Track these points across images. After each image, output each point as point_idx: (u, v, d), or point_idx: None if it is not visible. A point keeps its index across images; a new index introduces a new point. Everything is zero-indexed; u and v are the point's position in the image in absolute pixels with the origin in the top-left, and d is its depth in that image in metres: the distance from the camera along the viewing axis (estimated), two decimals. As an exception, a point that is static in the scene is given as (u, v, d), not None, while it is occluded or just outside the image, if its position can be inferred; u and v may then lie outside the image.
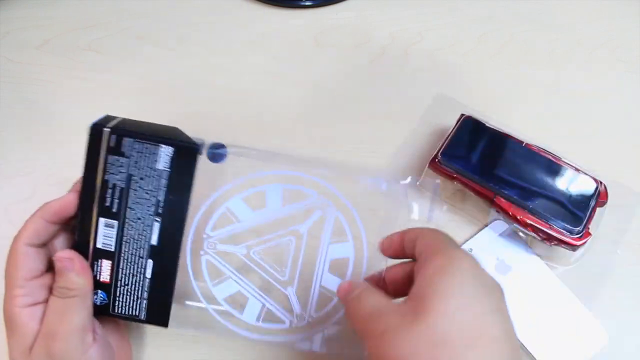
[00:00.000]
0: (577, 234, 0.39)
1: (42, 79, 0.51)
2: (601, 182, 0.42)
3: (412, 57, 0.52)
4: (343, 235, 0.36)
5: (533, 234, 0.40)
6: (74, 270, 0.32)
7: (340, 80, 0.51)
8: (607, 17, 0.54)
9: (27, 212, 0.44)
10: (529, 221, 0.40)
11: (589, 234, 0.40)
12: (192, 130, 0.48)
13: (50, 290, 0.33)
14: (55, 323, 0.31)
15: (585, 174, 0.42)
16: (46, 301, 0.32)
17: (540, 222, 0.40)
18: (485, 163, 0.42)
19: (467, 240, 0.42)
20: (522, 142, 0.43)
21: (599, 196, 0.41)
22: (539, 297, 0.40)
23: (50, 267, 0.34)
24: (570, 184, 0.41)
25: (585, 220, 0.40)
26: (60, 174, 0.46)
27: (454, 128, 0.44)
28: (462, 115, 0.44)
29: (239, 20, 0.54)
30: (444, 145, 0.43)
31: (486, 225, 0.43)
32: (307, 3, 0.54)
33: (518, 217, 0.40)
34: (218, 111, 0.49)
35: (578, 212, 0.40)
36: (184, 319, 0.36)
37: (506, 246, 0.42)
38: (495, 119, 0.48)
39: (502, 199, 0.40)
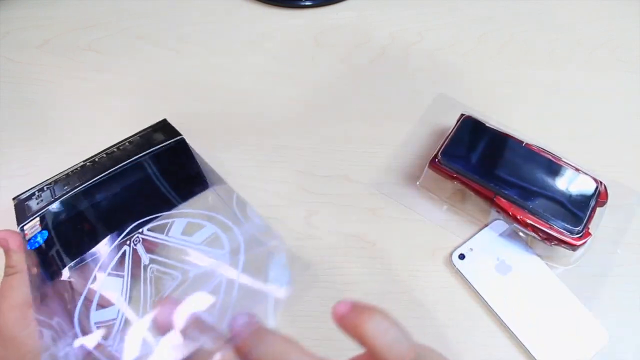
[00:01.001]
0: (577, 234, 0.39)
1: (42, 79, 0.51)
2: (601, 182, 0.42)
3: (412, 57, 0.52)
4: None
5: (533, 234, 0.40)
6: (11, 249, 0.34)
7: (340, 80, 0.51)
8: (607, 17, 0.54)
9: (27, 212, 0.44)
10: (529, 221, 0.40)
11: (589, 234, 0.40)
12: (192, 130, 0.48)
13: None
14: None
15: (585, 174, 0.42)
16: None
17: (540, 222, 0.40)
18: (485, 163, 0.42)
19: (467, 240, 0.42)
20: (522, 142, 0.43)
21: (599, 196, 0.41)
22: (539, 297, 0.40)
23: None
24: (570, 184, 0.41)
25: (585, 220, 0.40)
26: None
27: (454, 128, 0.44)
28: (462, 115, 0.44)
29: (239, 20, 0.54)
30: (444, 145, 0.43)
31: (486, 225, 0.43)
32: (307, 3, 0.54)
33: (518, 217, 0.40)
34: (218, 111, 0.49)
35: (578, 212, 0.40)
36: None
37: (506, 246, 0.42)
38: (495, 119, 0.48)
39: (502, 199, 0.40)
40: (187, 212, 0.35)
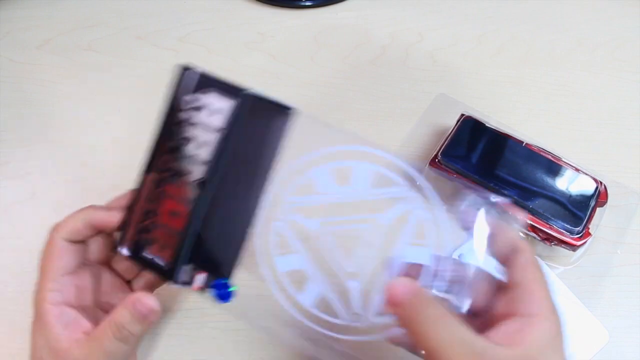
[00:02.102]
0: (577, 234, 0.39)
1: (42, 79, 0.51)
2: (601, 182, 0.42)
3: (412, 57, 0.52)
4: (423, 239, 0.32)
5: (533, 234, 0.40)
6: (146, 319, 0.30)
7: (340, 80, 0.51)
8: (607, 17, 0.54)
9: (27, 212, 0.45)
10: (528, 221, 0.40)
11: (589, 234, 0.40)
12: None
13: (85, 295, 0.33)
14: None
15: (586, 174, 0.42)
16: (73, 303, 0.32)
17: (540, 222, 0.40)
18: (485, 163, 0.42)
19: (467, 240, 0.42)
20: (522, 142, 0.43)
21: (599, 196, 0.41)
22: (539, 297, 0.40)
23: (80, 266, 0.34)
24: (570, 184, 0.41)
25: (585, 221, 0.40)
26: (60, 175, 0.46)
27: (454, 128, 0.44)
28: (462, 115, 0.45)
29: (239, 20, 0.54)
30: (444, 144, 0.43)
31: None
32: (307, 3, 0.54)
33: (518, 218, 0.40)
34: (218, 111, 0.49)
35: (578, 212, 0.40)
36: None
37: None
38: (495, 119, 0.48)
39: (502, 200, 0.40)
40: None
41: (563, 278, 0.41)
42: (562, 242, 0.39)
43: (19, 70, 0.51)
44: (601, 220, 0.42)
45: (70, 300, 0.32)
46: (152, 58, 0.52)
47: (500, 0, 0.55)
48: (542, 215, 0.40)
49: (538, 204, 0.40)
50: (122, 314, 0.30)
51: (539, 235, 0.40)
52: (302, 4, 0.54)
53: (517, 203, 0.40)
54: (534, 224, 0.40)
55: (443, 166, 0.42)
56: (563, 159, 0.42)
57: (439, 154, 0.42)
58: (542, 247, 0.41)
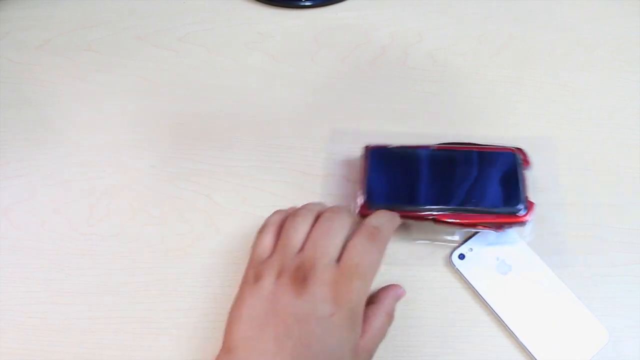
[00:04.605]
0: (523, 210, 0.39)
1: (42, 79, 0.51)
2: (518, 148, 0.41)
3: (412, 57, 0.52)
4: None
5: (483, 230, 0.40)
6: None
7: (340, 80, 0.51)
8: (607, 17, 0.54)
9: (27, 213, 0.45)
10: (476, 222, 0.39)
11: (532, 203, 0.39)
12: (192, 130, 0.48)
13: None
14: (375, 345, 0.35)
15: (500, 148, 0.41)
16: None
17: (486, 217, 0.39)
18: (409, 186, 0.40)
19: (467, 240, 0.42)
20: (430, 147, 0.42)
21: (524, 163, 0.41)
22: (539, 296, 0.40)
23: None
24: (492, 165, 0.40)
25: (523, 194, 0.39)
26: (59, 175, 0.46)
27: (364, 165, 0.41)
28: (366, 147, 0.43)
29: (239, 20, 0.54)
30: (364, 189, 0.40)
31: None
32: (307, 3, 0.54)
33: (464, 222, 0.39)
34: (218, 111, 0.49)
35: (513, 189, 0.39)
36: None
37: (506, 246, 0.42)
38: (496, 119, 0.48)
39: (443, 215, 0.39)
40: None
41: (563, 278, 0.41)
42: (513, 224, 0.39)
43: (19, 70, 0.51)
44: (533, 182, 0.42)
45: None
46: (152, 58, 0.52)
47: (500, 0, 0.55)
48: (484, 209, 0.39)
49: (475, 201, 0.39)
50: (391, 302, 0.37)
51: (490, 228, 0.39)
52: (302, 4, 0.54)
53: (457, 210, 0.39)
54: (481, 221, 0.39)
55: (373, 210, 0.39)
56: (475, 145, 0.42)
57: (365, 201, 0.40)
58: (496, 234, 0.41)
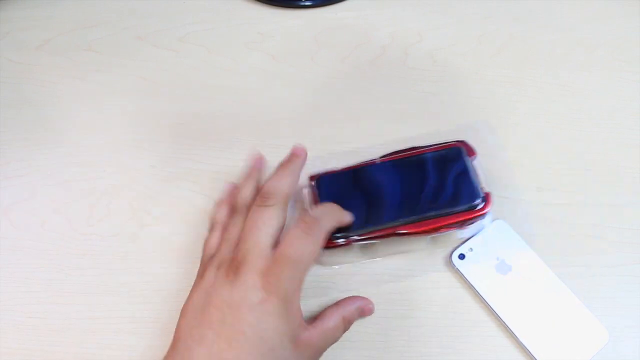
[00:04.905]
0: (482, 202, 0.38)
1: (42, 79, 0.51)
2: (461, 141, 0.41)
3: (412, 57, 0.52)
4: None
5: (449, 232, 0.39)
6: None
7: (340, 80, 0.51)
8: (607, 17, 0.54)
9: (27, 213, 0.45)
10: (439, 226, 0.38)
11: (488, 193, 0.39)
12: (192, 130, 0.48)
13: None
14: (325, 344, 0.35)
15: (443, 144, 0.41)
16: None
17: (447, 219, 0.38)
18: (365, 205, 0.39)
19: (467, 240, 0.42)
20: (376, 161, 0.41)
21: (469, 154, 0.40)
22: (539, 296, 0.40)
23: None
24: (440, 165, 0.40)
25: (478, 186, 0.39)
26: (59, 175, 0.46)
27: (313, 195, 0.40)
28: (311, 177, 0.41)
29: (239, 20, 0.54)
30: None
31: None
32: (307, 3, 0.54)
33: (427, 229, 0.38)
34: (218, 111, 0.49)
35: (467, 184, 0.39)
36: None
37: (506, 246, 0.42)
38: (496, 119, 0.48)
39: (402, 228, 0.38)
40: None
41: (563, 278, 0.41)
42: (476, 219, 0.38)
43: (18, 70, 0.51)
44: (485, 171, 0.41)
45: None
46: (152, 58, 0.52)
47: (500, 0, 0.55)
48: (444, 211, 0.38)
49: (433, 205, 0.38)
50: (352, 310, 0.37)
51: (454, 229, 0.39)
52: (302, 4, 0.54)
53: (416, 220, 0.38)
54: (444, 224, 0.38)
55: (335, 240, 0.38)
56: (418, 148, 0.41)
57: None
58: (459, 231, 0.40)
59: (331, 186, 0.40)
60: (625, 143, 0.48)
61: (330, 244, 0.38)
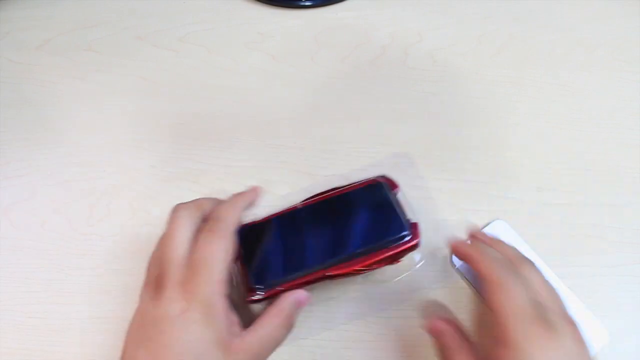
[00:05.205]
0: (409, 234, 0.37)
1: (42, 79, 0.51)
2: (382, 176, 0.40)
3: (412, 57, 0.52)
4: None
5: (381, 268, 0.37)
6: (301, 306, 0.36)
7: (340, 80, 0.51)
8: (607, 17, 0.54)
9: (27, 213, 0.45)
10: (368, 263, 0.36)
11: (416, 223, 0.37)
12: (192, 129, 0.48)
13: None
14: (264, 349, 0.33)
15: (364, 182, 0.40)
16: (229, 306, 0.33)
17: (376, 254, 0.36)
18: (291, 253, 0.37)
19: (467, 240, 0.42)
20: (297, 206, 0.39)
21: (392, 188, 0.39)
22: (539, 297, 0.40)
23: None
24: (362, 202, 0.39)
25: (402, 218, 0.37)
26: (59, 175, 0.46)
27: (238, 247, 0.37)
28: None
29: (239, 20, 0.54)
30: (247, 271, 0.37)
31: (486, 225, 0.43)
32: (307, 3, 0.54)
33: (357, 269, 0.36)
34: (218, 111, 0.49)
35: (392, 218, 0.37)
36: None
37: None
38: (496, 119, 0.48)
39: (331, 269, 0.36)
40: None
41: (563, 278, 0.41)
42: (407, 252, 0.37)
43: (18, 70, 0.51)
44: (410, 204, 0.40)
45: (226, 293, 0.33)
46: (152, 58, 0.52)
47: (500, 0, 0.55)
48: (372, 248, 0.36)
49: (361, 242, 0.36)
50: (289, 306, 0.34)
51: (386, 264, 0.37)
52: (302, 4, 0.54)
53: (344, 259, 0.36)
54: (374, 260, 0.36)
55: (263, 292, 0.36)
56: (339, 187, 0.40)
57: (250, 287, 0.36)
58: (393, 267, 0.38)
59: (253, 237, 0.38)
60: (625, 143, 0.48)
61: (251, 298, 0.36)
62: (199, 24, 0.54)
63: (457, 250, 0.38)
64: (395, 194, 0.39)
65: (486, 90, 0.50)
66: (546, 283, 0.34)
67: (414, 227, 0.37)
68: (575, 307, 0.40)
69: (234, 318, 0.33)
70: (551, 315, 0.30)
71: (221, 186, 0.46)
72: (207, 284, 0.32)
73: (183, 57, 0.52)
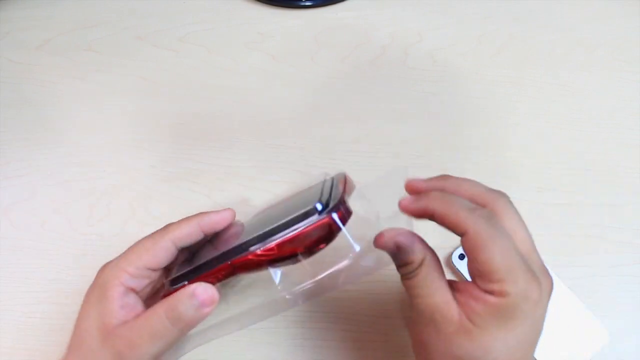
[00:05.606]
0: (323, 211, 0.29)
1: (42, 79, 0.51)
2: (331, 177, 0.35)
3: (412, 57, 0.52)
4: None
5: (297, 256, 0.30)
6: (202, 307, 0.31)
7: (340, 80, 0.51)
8: (607, 17, 0.54)
9: (27, 213, 0.45)
10: (269, 248, 0.30)
11: (340, 208, 0.30)
12: (192, 130, 0.48)
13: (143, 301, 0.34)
14: (140, 338, 0.31)
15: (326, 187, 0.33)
16: (142, 296, 0.33)
17: (275, 237, 0.30)
18: (206, 253, 0.34)
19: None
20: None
21: (345, 187, 0.33)
22: (539, 297, 0.40)
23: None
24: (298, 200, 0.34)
25: (322, 196, 0.30)
26: (59, 175, 0.46)
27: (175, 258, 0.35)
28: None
29: (239, 20, 0.54)
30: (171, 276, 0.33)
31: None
32: (307, 3, 0.54)
33: (259, 254, 0.30)
34: (218, 111, 0.49)
35: (307, 200, 0.31)
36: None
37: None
38: (496, 119, 0.48)
39: (236, 259, 0.31)
40: None
41: (563, 278, 0.41)
42: (317, 235, 0.29)
43: (18, 70, 0.51)
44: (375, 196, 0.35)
45: (141, 292, 0.33)
46: (152, 58, 0.52)
47: (500, 0, 0.55)
48: (272, 232, 0.30)
49: (267, 223, 0.31)
50: (179, 297, 0.31)
51: (301, 251, 0.30)
52: (302, 4, 0.54)
53: (245, 248, 0.31)
54: (275, 245, 0.30)
55: (177, 286, 0.32)
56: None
57: (166, 286, 0.33)
58: (319, 260, 0.31)
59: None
60: (625, 143, 0.48)
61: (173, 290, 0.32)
62: (199, 24, 0.54)
63: (415, 208, 0.30)
64: (347, 191, 0.33)
65: (486, 90, 0.50)
66: (523, 225, 0.31)
67: (334, 210, 0.29)
68: (575, 307, 0.40)
69: (137, 307, 0.32)
70: (535, 267, 0.29)
71: (221, 186, 0.46)
72: (111, 269, 0.33)
73: (183, 57, 0.52)
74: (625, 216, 0.44)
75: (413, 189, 0.32)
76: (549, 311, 0.40)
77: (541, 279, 0.29)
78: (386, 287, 0.41)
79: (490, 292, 0.28)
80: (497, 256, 0.28)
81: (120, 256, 0.34)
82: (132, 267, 0.33)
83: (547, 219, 0.44)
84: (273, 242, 0.30)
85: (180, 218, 0.45)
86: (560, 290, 0.40)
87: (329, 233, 0.29)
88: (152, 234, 0.34)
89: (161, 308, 0.31)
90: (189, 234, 0.34)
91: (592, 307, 0.40)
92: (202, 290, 0.31)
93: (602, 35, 0.53)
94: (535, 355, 0.38)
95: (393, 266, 0.31)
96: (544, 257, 0.41)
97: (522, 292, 0.27)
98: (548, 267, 0.41)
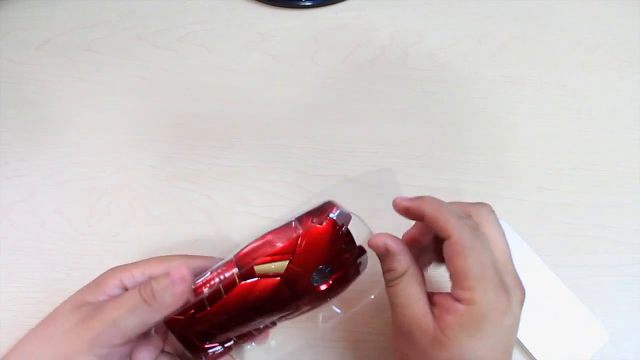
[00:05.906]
0: (298, 226, 0.32)
1: (42, 79, 0.51)
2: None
3: (412, 57, 0.52)
4: None
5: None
6: (175, 285, 0.31)
7: (340, 80, 0.51)
8: (607, 17, 0.54)
9: (27, 213, 0.45)
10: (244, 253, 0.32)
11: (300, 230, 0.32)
12: (192, 129, 0.48)
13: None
14: (111, 309, 0.31)
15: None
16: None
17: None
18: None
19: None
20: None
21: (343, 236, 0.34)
22: (539, 296, 0.40)
23: None
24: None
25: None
26: (59, 175, 0.46)
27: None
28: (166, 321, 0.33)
29: (239, 20, 0.54)
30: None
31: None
32: (307, 3, 0.54)
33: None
34: (218, 111, 0.49)
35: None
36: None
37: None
38: (496, 119, 0.48)
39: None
40: None
41: (563, 278, 0.41)
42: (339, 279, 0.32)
43: (18, 70, 0.51)
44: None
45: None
46: (152, 58, 0.52)
47: (500, 0, 0.55)
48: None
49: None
50: (155, 278, 0.31)
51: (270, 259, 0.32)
52: (302, 4, 0.54)
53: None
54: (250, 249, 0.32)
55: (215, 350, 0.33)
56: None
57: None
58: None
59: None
60: (625, 143, 0.48)
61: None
62: (199, 24, 0.54)
63: (407, 207, 0.33)
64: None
65: (486, 90, 0.50)
66: (503, 236, 0.32)
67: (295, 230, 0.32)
68: (575, 307, 0.40)
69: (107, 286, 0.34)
70: (508, 279, 0.30)
71: (221, 186, 0.46)
72: (116, 268, 0.34)
73: (183, 57, 0.52)
74: (625, 216, 0.44)
75: (399, 207, 0.33)
76: (549, 311, 0.40)
77: (511, 291, 0.30)
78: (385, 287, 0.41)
79: (460, 300, 0.29)
80: (473, 266, 0.29)
81: (130, 263, 0.34)
82: (137, 270, 0.33)
83: (547, 219, 0.44)
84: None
85: (180, 218, 0.45)
86: (560, 290, 0.40)
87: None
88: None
89: (136, 287, 0.32)
90: (203, 267, 0.34)
91: (592, 307, 0.40)
92: (176, 270, 0.31)
93: (602, 35, 0.53)
94: (535, 355, 0.38)
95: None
96: (544, 257, 0.42)
97: (490, 302, 0.28)
98: (548, 267, 0.41)
